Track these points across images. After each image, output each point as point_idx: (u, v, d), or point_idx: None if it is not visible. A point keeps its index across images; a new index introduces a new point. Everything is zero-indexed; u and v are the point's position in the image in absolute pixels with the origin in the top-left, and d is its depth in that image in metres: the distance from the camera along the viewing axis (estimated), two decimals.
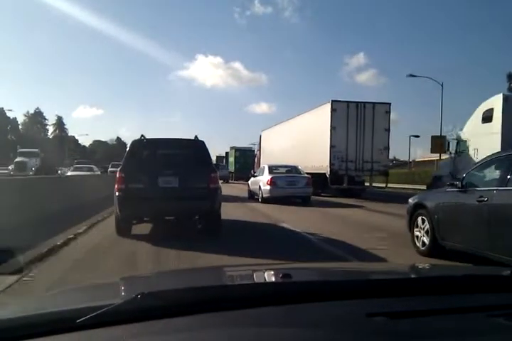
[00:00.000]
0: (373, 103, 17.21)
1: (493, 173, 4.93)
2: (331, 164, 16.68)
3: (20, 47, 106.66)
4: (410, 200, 6.20)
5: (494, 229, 4.54)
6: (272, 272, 1.64)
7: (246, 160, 36.48)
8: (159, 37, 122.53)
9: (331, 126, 16.69)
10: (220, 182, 8.80)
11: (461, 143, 14.91)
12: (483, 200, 4.62)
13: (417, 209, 5.89)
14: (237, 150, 40.87)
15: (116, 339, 0.90)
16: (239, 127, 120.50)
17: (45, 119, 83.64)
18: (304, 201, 14.06)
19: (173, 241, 6.32)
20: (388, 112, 17.19)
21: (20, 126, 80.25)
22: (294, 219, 9.78)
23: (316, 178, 17.20)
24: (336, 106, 16.84)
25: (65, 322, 0.92)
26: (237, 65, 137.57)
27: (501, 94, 13.30)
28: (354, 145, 16.80)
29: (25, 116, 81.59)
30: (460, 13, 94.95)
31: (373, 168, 17.11)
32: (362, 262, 4.35)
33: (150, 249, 5.91)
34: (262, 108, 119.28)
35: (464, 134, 14.78)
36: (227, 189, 17.30)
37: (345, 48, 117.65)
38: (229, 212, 9.46)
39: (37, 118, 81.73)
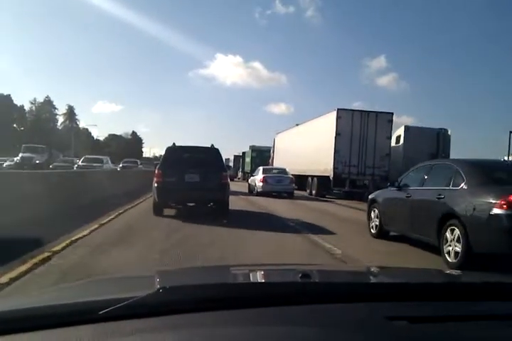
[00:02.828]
0: (376, 112, 18.57)
1: (417, 176, 6.60)
2: (335, 168, 18.05)
3: (40, 40, 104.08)
4: (369, 197, 7.92)
5: (414, 217, 6.24)
6: (292, 272, 1.64)
7: (262, 160, 35.59)
8: (179, 35, 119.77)
9: (336, 132, 18.11)
10: None
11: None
12: (409, 196, 6.34)
13: (372, 203, 7.65)
14: (253, 150, 40.48)
15: (137, 332, 0.90)
16: (257, 126, 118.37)
17: (55, 108, 75.52)
18: (288, 195, 17.74)
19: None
20: (391, 121, 18.44)
21: (27, 115, 72.82)
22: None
23: (321, 181, 18.92)
24: (341, 114, 18.24)
25: (88, 313, 0.94)
26: (257, 64, 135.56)
27: (404, 126, 19.52)
28: (357, 151, 18.15)
29: (32, 103, 73.22)
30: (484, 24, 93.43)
31: (374, 173, 18.59)
32: (383, 265, 4.37)
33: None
34: (281, 108, 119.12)
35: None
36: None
37: (367, 50, 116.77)
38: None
39: (46, 107, 73.70)
